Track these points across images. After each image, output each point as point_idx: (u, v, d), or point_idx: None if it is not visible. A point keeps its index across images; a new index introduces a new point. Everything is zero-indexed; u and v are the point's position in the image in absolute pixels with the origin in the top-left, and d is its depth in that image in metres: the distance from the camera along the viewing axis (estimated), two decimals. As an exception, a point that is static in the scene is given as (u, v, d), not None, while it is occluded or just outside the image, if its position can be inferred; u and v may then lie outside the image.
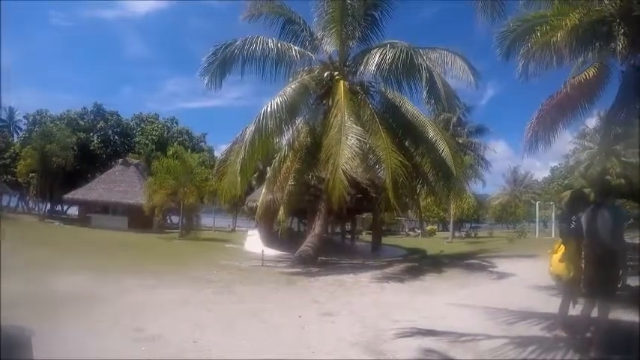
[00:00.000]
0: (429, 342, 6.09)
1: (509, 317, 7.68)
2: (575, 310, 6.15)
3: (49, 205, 49.03)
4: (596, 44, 15.23)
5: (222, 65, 15.27)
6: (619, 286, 5.69)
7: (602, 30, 14.52)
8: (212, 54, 15.09)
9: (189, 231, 29.79)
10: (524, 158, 25.96)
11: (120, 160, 41.85)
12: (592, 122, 40.68)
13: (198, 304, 8.22)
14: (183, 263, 14.94)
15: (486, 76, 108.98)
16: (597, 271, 5.56)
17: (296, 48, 15.92)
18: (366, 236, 30.22)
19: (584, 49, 15.32)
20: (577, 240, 6.01)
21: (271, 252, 17.97)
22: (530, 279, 10.45)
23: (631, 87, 15.49)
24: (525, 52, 15.25)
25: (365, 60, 15.43)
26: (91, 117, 53.49)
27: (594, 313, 5.65)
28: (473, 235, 47.85)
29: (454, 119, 40.05)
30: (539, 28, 14.28)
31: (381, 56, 14.61)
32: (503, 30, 15.88)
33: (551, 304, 6.99)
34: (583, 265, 5.93)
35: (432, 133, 15.71)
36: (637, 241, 23.23)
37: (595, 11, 13.83)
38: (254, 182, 28.66)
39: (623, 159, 41.15)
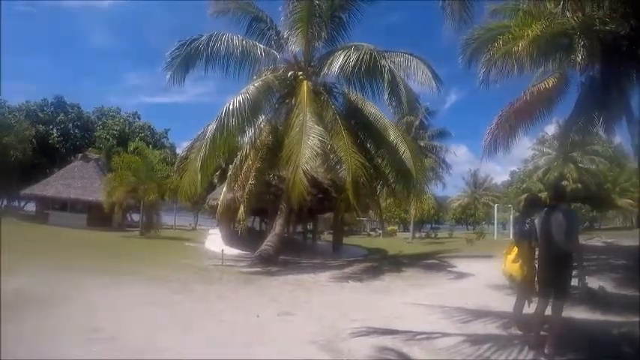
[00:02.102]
0: (385, 340, 6.13)
1: (466, 316, 7.81)
2: (530, 308, 6.28)
3: (5, 201, 47.50)
4: (557, 55, 15.69)
5: (186, 61, 15.10)
6: (578, 285, 5.94)
7: (563, 42, 14.97)
8: (176, 49, 14.91)
9: (149, 229, 29.34)
10: (484, 162, 26.51)
11: (80, 155, 40.37)
12: (551, 129, 41.81)
13: (156, 304, 8.08)
14: (142, 262, 14.66)
15: (450, 82, 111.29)
16: (550, 271, 5.75)
17: (261, 46, 15.87)
18: (328, 236, 30.31)
19: (545, 59, 15.79)
20: (529, 241, 6.18)
21: (232, 251, 17.87)
22: (487, 279, 10.68)
23: (589, 97, 16.01)
24: (487, 60, 15.63)
25: (329, 61, 15.52)
26: (51, 109, 51.79)
27: (548, 311, 5.81)
28: (433, 235, 48.38)
29: (417, 122, 40.60)
30: (501, 37, 14.64)
31: (345, 58, 14.71)
32: (467, 38, 16.23)
33: (507, 303, 7.14)
34: (537, 266, 6.10)
35: (393, 135, 15.96)
36: (593, 243, 24.14)
37: (557, 24, 14.24)
38: (216, 180, 28.34)
39: (579, 165, 42.59)
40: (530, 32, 13.69)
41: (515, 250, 6.45)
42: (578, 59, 14.36)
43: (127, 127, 54.19)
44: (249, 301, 9.13)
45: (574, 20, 14.25)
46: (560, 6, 13.75)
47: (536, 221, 6.04)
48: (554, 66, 16.56)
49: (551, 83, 15.78)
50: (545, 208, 6.09)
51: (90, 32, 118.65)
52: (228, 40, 15.05)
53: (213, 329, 6.53)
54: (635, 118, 15.80)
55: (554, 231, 5.59)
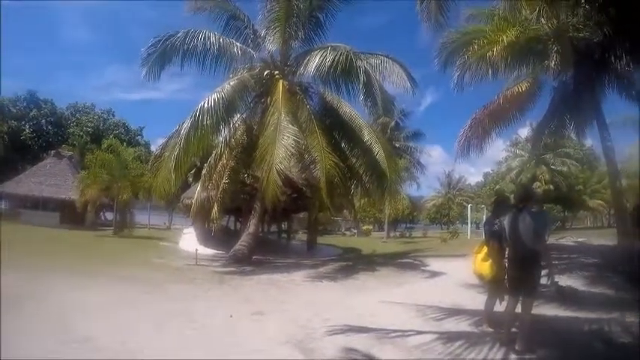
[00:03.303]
0: (358, 339, 6.18)
1: (439, 314, 7.91)
2: (501, 306, 6.40)
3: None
4: (531, 60, 15.98)
5: (162, 57, 14.95)
6: (552, 283, 6.06)
7: (537, 48, 15.30)
8: (152, 45, 14.73)
9: (122, 228, 28.85)
10: (458, 163, 26.87)
11: (52, 152, 39.47)
12: (524, 132, 42.49)
13: (129, 304, 7.99)
14: (115, 262, 14.46)
15: (426, 84, 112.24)
16: (519, 270, 5.86)
17: (238, 44, 15.74)
18: (303, 235, 30.29)
19: (519, 64, 16.09)
20: (499, 241, 6.30)
21: (206, 251, 17.76)
22: (460, 277, 10.77)
23: (561, 101, 16.34)
24: (462, 63, 15.89)
25: (306, 61, 15.51)
26: (24, 104, 50.89)
27: (518, 309, 5.92)
28: (407, 235, 49.00)
29: (392, 123, 41.04)
30: (476, 41, 14.91)
31: (322, 58, 14.75)
32: (443, 41, 16.43)
33: (479, 301, 7.24)
34: (506, 265, 6.20)
35: (367, 135, 16.07)
36: (564, 242, 24.57)
37: (531, 30, 14.57)
38: (190, 179, 28.11)
39: (552, 167, 43.40)
40: (505, 37, 14.01)
41: (485, 249, 6.57)
42: (552, 65, 14.72)
43: (101, 124, 53.56)
44: (223, 300, 9.08)
45: (548, 27, 14.61)
46: (536, 12, 13.97)
47: (505, 221, 6.14)
48: (528, 71, 16.89)
49: (524, 87, 16.10)
50: (514, 209, 6.19)
51: (64, 27, 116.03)
52: (204, 38, 14.91)
53: (186, 330, 6.46)
54: (606, 122, 16.20)
55: (522, 231, 5.71)
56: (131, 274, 11.58)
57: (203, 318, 7.33)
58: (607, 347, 6.15)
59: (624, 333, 6.77)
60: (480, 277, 6.76)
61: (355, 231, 48.44)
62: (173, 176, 13.72)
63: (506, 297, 6.27)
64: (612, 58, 14.04)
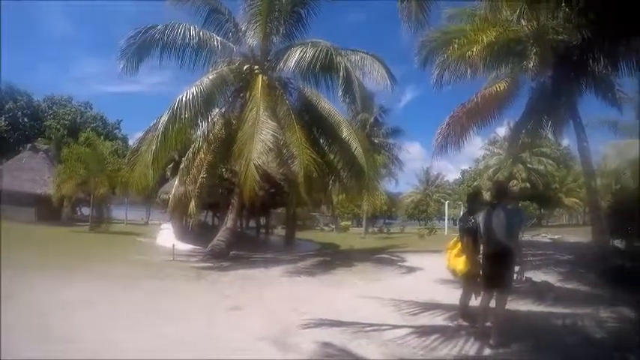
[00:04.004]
0: (334, 333, 6.22)
1: (415, 308, 7.97)
2: (476, 301, 6.49)
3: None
4: (510, 61, 16.18)
5: (140, 49, 14.71)
6: (522, 279, 6.19)
7: (517, 48, 15.51)
8: (131, 37, 14.47)
9: (99, 224, 28.47)
10: (437, 160, 27.06)
11: (28, 146, 38.51)
12: (502, 131, 43.02)
13: (105, 301, 7.89)
14: (92, 258, 14.22)
15: (406, 81, 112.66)
16: (492, 266, 5.95)
17: (218, 38, 15.61)
18: (281, 231, 30.27)
19: (498, 64, 16.28)
20: (473, 237, 6.39)
21: (184, 246, 17.62)
22: (436, 273, 10.82)
23: (539, 102, 16.57)
24: (441, 62, 16.04)
25: (286, 56, 15.45)
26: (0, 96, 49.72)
27: (492, 303, 6.01)
28: (386, 231, 49.33)
29: (371, 120, 41.12)
30: (457, 40, 15.04)
31: (302, 54, 14.73)
32: (423, 39, 16.54)
33: (455, 296, 7.30)
34: (481, 260, 6.27)
35: (345, 131, 16.09)
36: (540, 239, 24.94)
37: (511, 31, 14.73)
38: (168, 173, 27.87)
39: (528, 165, 44.02)
40: (484, 37, 14.16)
41: (459, 245, 6.65)
42: (530, 65, 14.90)
43: (78, 117, 52.61)
44: (200, 296, 9.05)
45: (528, 28, 14.79)
46: (516, 14, 14.13)
47: (479, 218, 6.22)
48: (507, 70, 17.09)
49: (502, 87, 16.27)
50: (488, 206, 6.27)
51: (41, 18, 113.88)
52: (184, 30, 14.70)
53: (162, 326, 6.41)
54: (582, 122, 16.50)
55: (495, 227, 5.79)
56: (107, 271, 11.44)
57: (180, 314, 7.30)
58: (580, 341, 6.24)
59: (597, 328, 6.88)
60: (454, 272, 6.85)
61: (334, 226, 48.54)
62: (150, 171, 13.57)
63: (480, 292, 6.34)
64: (590, 60, 14.26)
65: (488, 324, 6.08)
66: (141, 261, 14.10)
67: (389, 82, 16.05)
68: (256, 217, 26.88)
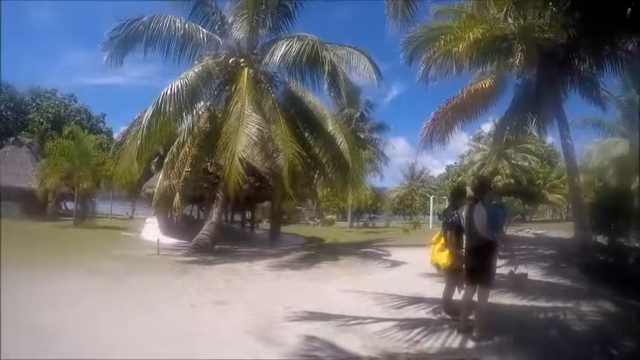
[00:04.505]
0: (318, 327, 6.23)
1: (399, 302, 8.01)
2: (459, 295, 6.50)
3: None
4: (496, 58, 16.29)
5: (125, 41, 14.60)
6: (515, 272, 6.51)
7: (503, 46, 15.62)
8: (115, 28, 14.34)
9: (84, 219, 28.21)
10: (423, 156, 27.27)
11: (12, 139, 37.93)
12: (487, 127, 43.34)
13: (89, 296, 7.82)
14: (76, 253, 14.06)
15: (392, 76, 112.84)
16: (475, 260, 5.99)
17: (204, 31, 15.47)
18: (267, 224, 30.15)
19: (484, 61, 16.37)
20: (456, 232, 6.43)
21: (169, 240, 17.53)
22: (420, 267, 10.79)
23: (524, 99, 16.73)
24: (427, 58, 16.10)
25: (272, 50, 15.38)
26: (-18, 89, 48.72)
27: (475, 297, 6.05)
28: (371, 225, 49.80)
29: (357, 114, 41.42)
30: (443, 37, 15.09)
31: (288, 47, 14.70)
32: (410, 35, 16.60)
33: (438, 290, 7.31)
34: (463, 255, 6.32)
35: (331, 126, 16.15)
36: (523, 234, 25.19)
37: (498, 28, 14.82)
38: (153, 167, 27.69)
39: (513, 162, 44.42)
40: (471, 34, 14.23)
41: (442, 239, 6.69)
42: (516, 63, 15.01)
43: (62, 110, 51.84)
44: (185, 290, 8.94)
45: (514, 26, 14.88)
46: (503, 12, 14.21)
47: (462, 213, 6.28)
48: (492, 68, 17.20)
49: (488, 83, 16.39)
50: (471, 201, 6.32)
51: (25, 9, 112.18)
52: (170, 23, 14.60)
53: (147, 321, 6.38)
54: (567, 120, 16.68)
55: (477, 222, 5.82)
56: (91, 266, 11.27)
57: (164, 309, 7.27)
58: (561, 335, 6.33)
59: (579, 321, 6.98)
60: (437, 266, 6.90)
61: (319, 220, 48.63)
62: (135, 165, 13.53)
63: (463, 286, 6.38)
64: (575, 60, 14.45)
65: (471, 317, 6.13)
66: (125, 255, 13.97)
67: (375, 77, 16.10)
68: (241, 210, 26.80)
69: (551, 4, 10.70)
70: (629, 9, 8.66)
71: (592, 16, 9.28)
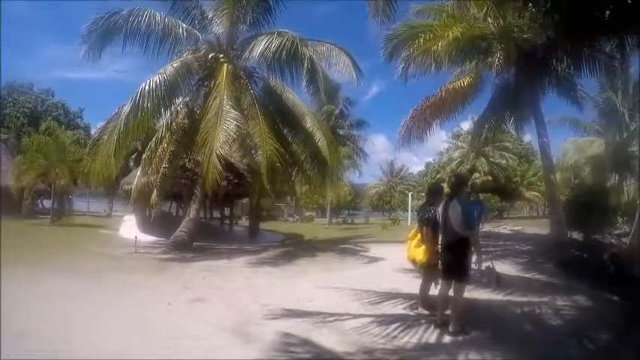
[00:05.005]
0: (296, 323, 6.25)
1: (376, 298, 8.05)
2: (436, 290, 6.58)
3: None
4: (475, 57, 16.45)
5: (103, 36, 14.37)
6: (481, 269, 6.52)
7: (482, 45, 15.77)
8: (94, 22, 14.11)
9: (60, 216, 27.65)
10: (402, 153, 27.48)
11: (-14, 136, 37.63)
12: (466, 125, 43.76)
13: (65, 296, 7.69)
14: (52, 252, 13.81)
15: (373, 73, 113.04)
16: (450, 255, 6.07)
17: (184, 25, 15.26)
18: (246, 221, 30.06)
19: (463, 59, 16.53)
20: (432, 227, 6.48)
21: (147, 238, 17.41)
22: (398, 263, 10.81)
23: (502, 97, 16.93)
24: (407, 56, 16.18)
25: (252, 45, 15.29)
26: (-44, 83, 47.53)
27: (451, 292, 6.11)
28: (350, 221, 50.06)
29: (337, 111, 41.64)
30: (423, 35, 15.18)
31: (267, 43, 14.61)
32: (390, 33, 16.67)
33: (415, 285, 7.37)
34: (440, 250, 6.38)
35: (310, 122, 16.17)
36: (500, 230, 25.51)
37: (477, 28, 14.96)
38: (132, 163, 27.37)
39: (491, 159, 44.90)
40: (450, 33, 14.35)
41: (419, 235, 6.74)
42: (495, 62, 15.15)
43: (39, 105, 50.88)
44: (162, 289, 8.90)
45: (494, 26, 15.04)
46: (483, 12, 14.35)
47: (439, 209, 6.32)
48: (472, 66, 17.36)
49: (466, 82, 16.54)
50: (447, 197, 6.38)
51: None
52: (149, 17, 14.37)
53: (124, 320, 6.33)
54: (544, 119, 16.94)
55: (452, 218, 5.90)
56: (68, 264, 11.13)
57: (141, 307, 7.20)
58: (537, 328, 6.44)
59: (554, 316, 7.10)
60: (414, 262, 6.94)
61: (298, 217, 48.69)
62: (112, 161, 13.27)
63: (440, 281, 6.44)
64: (554, 60, 14.66)
65: (447, 312, 6.18)
66: (102, 254, 13.82)
67: (355, 74, 16.08)
68: (220, 207, 26.67)
69: (530, 5, 10.81)
70: (608, 12, 8.84)
71: (571, 17, 9.41)
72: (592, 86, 22.71)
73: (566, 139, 31.37)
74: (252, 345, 5.35)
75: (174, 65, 14.22)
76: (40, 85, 54.98)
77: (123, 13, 14.17)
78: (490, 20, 15.12)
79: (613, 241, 13.71)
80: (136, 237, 15.30)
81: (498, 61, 15.28)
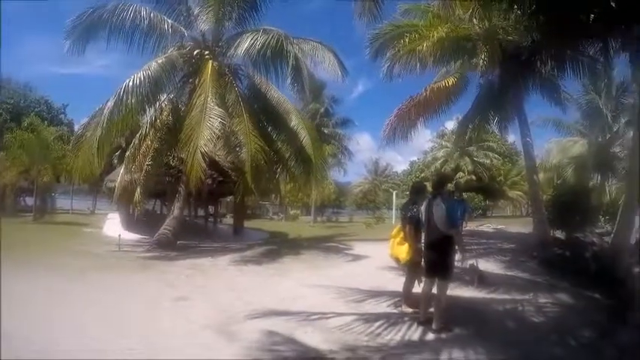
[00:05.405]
0: (279, 322, 6.26)
1: (360, 296, 8.07)
2: (419, 288, 6.61)
3: None
4: (460, 57, 16.54)
5: (88, 30, 14.19)
6: (465, 267, 6.68)
7: (467, 46, 15.85)
8: (78, 16, 13.92)
9: (43, 214, 27.23)
10: (387, 151, 27.67)
11: (-33, 132, 36.98)
12: (450, 125, 44.03)
13: (48, 294, 7.61)
14: (35, 250, 13.59)
15: (359, 72, 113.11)
16: (433, 254, 6.11)
17: (169, 21, 15.09)
18: (230, 219, 29.95)
19: (448, 60, 16.61)
20: (414, 226, 6.55)
21: (131, 236, 17.22)
22: (382, 260, 10.82)
23: (486, 98, 17.04)
24: (392, 55, 16.23)
25: (237, 42, 15.25)
26: None
27: (434, 290, 6.16)
28: (334, 220, 50.14)
29: (322, 110, 41.73)
30: (408, 35, 15.23)
31: (253, 40, 14.58)
32: (376, 32, 16.70)
33: (399, 283, 7.42)
34: (422, 248, 6.42)
35: (294, 120, 16.17)
36: (484, 229, 25.70)
37: (462, 29, 15.04)
38: (116, 160, 27.05)
39: (475, 159, 45.21)
40: (435, 33, 14.41)
41: (401, 233, 6.78)
42: (480, 63, 15.24)
43: (21, 101, 50.11)
44: (145, 287, 8.87)
45: (479, 27, 15.14)
46: (469, 13, 14.42)
47: (422, 207, 6.37)
48: (456, 67, 17.46)
49: (451, 82, 16.61)
50: (430, 196, 6.46)
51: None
52: (135, 12, 14.21)
53: (107, 319, 6.26)
54: (527, 120, 17.13)
55: (435, 217, 5.96)
56: (51, 263, 10.96)
57: (124, 306, 7.14)
58: (519, 326, 6.52)
59: (536, 313, 7.21)
60: (396, 260, 7.02)
61: (283, 215, 48.67)
62: (95, 158, 13.11)
63: (423, 279, 6.47)
64: (538, 62, 14.76)
65: (430, 310, 6.22)
66: (85, 252, 13.62)
67: (340, 72, 16.16)
68: (204, 205, 26.54)
69: (516, 7, 10.90)
70: (592, 15, 8.96)
71: (555, 20, 9.52)
72: (575, 88, 23.02)
73: (550, 139, 31.71)
74: (235, 343, 5.35)
75: (159, 61, 14.08)
76: (23, 80, 54.04)
77: (108, 7, 14.00)
78: (475, 21, 15.20)
79: (595, 239, 13.84)
80: (119, 235, 15.16)
81: (483, 61, 15.36)
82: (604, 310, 7.48)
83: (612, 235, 12.55)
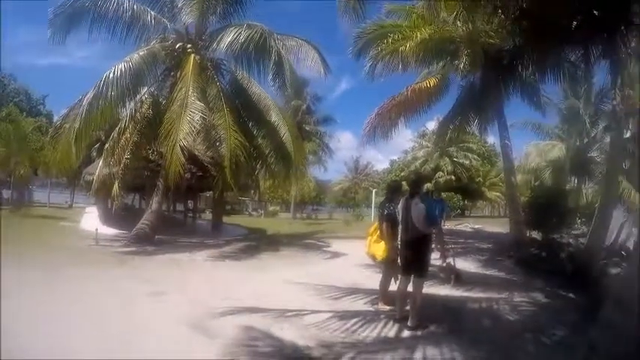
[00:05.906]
0: (255, 318, 6.22)
1: (337, 293, 8.10)
2: (396, 285, 6.63)
3: None
4: (442, 59, 16.68)
5: (70, 19, 14.00)
6: (442, 265, 6.85)
7: (450, 48, 15.99)
8: (60, 5, 13.75)
9: (20, 207, 26.78)
10: (367, 150, 27.75)
11: (-55, 123, 36.15)
12: (431, 125, 44.35)
13: (21, 290, 7.41)
14: (10, 244, 13.20)
15: (342, 70, 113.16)
16: (409, 252, 6.17)
17: (152, 13, 14.96)
18: (210, 215, 29.83)
19: (430, 61, 16.74)
20: (391, 224, 6.62)
21: (108, 230, 17.01)
22: (359, 258, 10.85)
23: (467, 100, 17.20)
24: (375, 54, 16.31)
25: (220, 37, 15.16)
26: None
27: (410, 288, 6.20)
28: (314, 217, 50.38)
29: (304, 107, 41.73)
30: (391, 35, 15.32)
31: (236, 35, 14.53)
32: (359, 32, 16.77)
33: (376, 280, 7.48)
34: (399, 246, 6.44)
35: (275, 117, 16.16)
36: (462, 228, 26.01)
37: (446, 30, 15.17)
38: (94, 153, 26.69)
39: (454, 159, 45.62)
40: (418, 34, 14.51)
41: (378, 231, 6.82)
42: (461, 65, 15.38)
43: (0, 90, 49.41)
44: (122, 282, 8.71)
45: (462, 30, 15.27)
46: (453, 15, 14.53)
47: (398, 206, 6.43)
48: (438, 68, 17.61)
49: (432, 83, 16.74)
50: (407, 194, 6.50)
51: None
52: (117, 2, 14.07)
53: (83, 314, 6.15)
54: (507, 123, 17.38)
55: (413, 215, 6.00)
56: (26, 257, 10.70)
57: (99, 302, 7.01)
58: (494, 324, 6.61)
59: (512, 311, 7.30)
60: (373, 257, 7.09)
61: (262, 212, 48.63)
62: (73, 150, 12.97)
63: (399, 276, 6.51)
64: (519, 66, 14.91)
65: (406, 307, 6.27)
66: (62, 246, 13.42)
67: (323, 70, 16.14)
68: (183, 200, 26.35)
69: (500, 11, 11.00)
70: (574, 22, 9.09)
71: (538, 26, 9.63)
72: (555, 93, 23.41)
73: (529, 142, 32.16)
74: (212, 339, 5.31)
75: (141, 53, 13.96)
76: (4, 70, 53.15)
77: None
78: (459, 24, 15.32)
79: (570, 241, 14.04)
80: (96, 229, 14.90)
81: (465, 64, 15.53)
82: (578, 309, 7.58)
83: (587, 237, 12.75)
